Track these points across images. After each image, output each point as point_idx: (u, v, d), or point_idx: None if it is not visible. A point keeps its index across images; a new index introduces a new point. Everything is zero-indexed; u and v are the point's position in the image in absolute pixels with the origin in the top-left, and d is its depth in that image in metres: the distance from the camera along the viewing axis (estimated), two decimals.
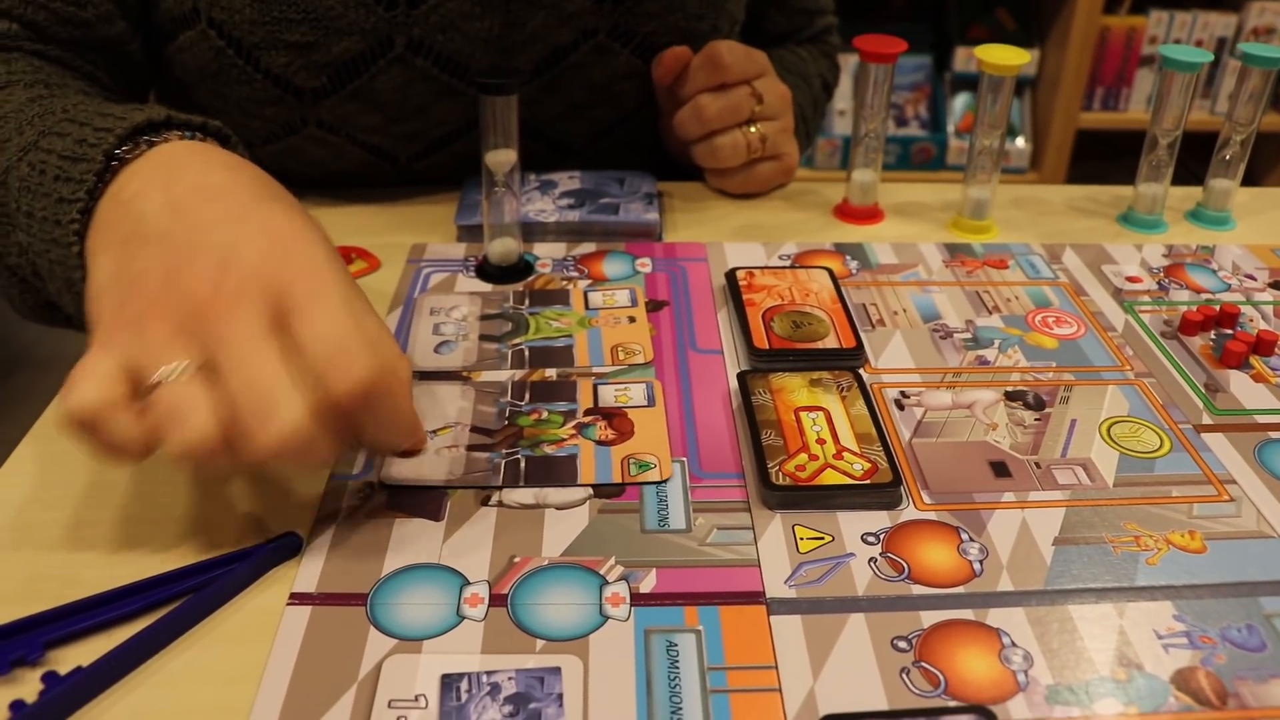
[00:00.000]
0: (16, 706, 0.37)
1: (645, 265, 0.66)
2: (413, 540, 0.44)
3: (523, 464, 0.48)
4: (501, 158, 0.61)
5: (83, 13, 0.65)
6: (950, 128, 2.35)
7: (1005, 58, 0.67)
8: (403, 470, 0.48)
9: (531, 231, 0.69)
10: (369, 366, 0.39)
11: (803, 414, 0.51)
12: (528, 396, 0.53)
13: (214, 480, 0.47)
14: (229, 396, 0.38)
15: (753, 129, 0.72)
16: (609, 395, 0.53)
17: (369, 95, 0.68)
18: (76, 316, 0.47)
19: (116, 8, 0.66)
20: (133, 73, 0.70)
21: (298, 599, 0.41)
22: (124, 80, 0.69)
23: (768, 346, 0.57)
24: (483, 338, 0.58)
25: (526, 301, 0.62)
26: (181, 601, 0.41)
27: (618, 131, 0.78)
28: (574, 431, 0.50)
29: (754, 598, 0.41)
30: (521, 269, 0.65)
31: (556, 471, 0.48)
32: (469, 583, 0.42)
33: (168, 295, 0.40)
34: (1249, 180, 0.76)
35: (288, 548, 0.44)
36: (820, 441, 0.49)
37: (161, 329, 0.40)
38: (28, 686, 0.38)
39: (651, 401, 0.53)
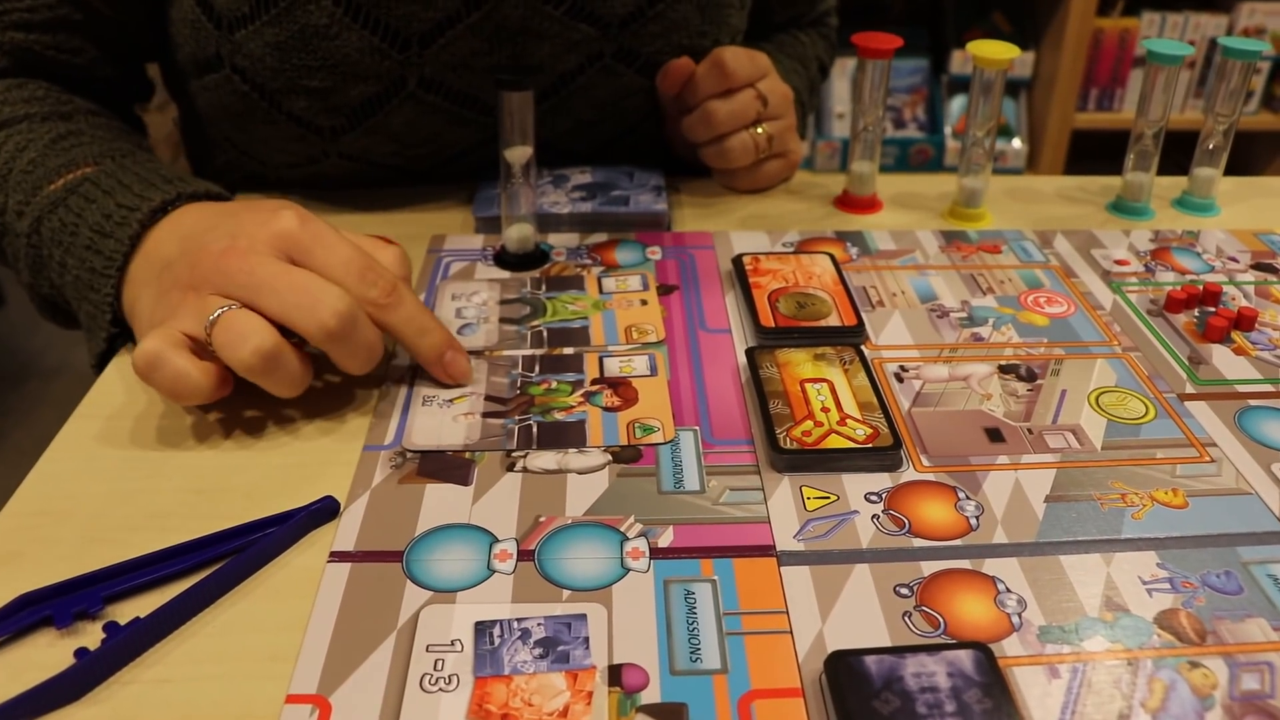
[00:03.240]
0: (81, 653, 0.39)
1: (655, 253, 0.68)
2: (443, 503, 0.46)
3: (535, 429, 0.50)
4: (519, 153, 0.63)
5: (76, 59, 0.69)
6: (947, 129, 2.38)
7: (996, 52, 0.69)
8: (424, 437, 0.50)
9: (546, 223, 0.70)
10: (393, 276, 0.50)
11: (808, 385, 0.53)
12: (538, 368, 0.55)
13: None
14: (276, 306, 0.47)
15: (759, 130, 0.74)
16: (614, 366, 0.56)
17: (384, 130, 0.71)
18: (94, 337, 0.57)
19: (102, 54, 0.70)
20: (125, 93, 0.74)
21: (337, 556, 0.43)
22: (117, 99, 0.73)
23: (774, 325, 0.59)
24: (503, 320, 0.60)
25: (543, 287, 0.64)
26: (228, 560, 0.43)
27: (624, 141, 0.80)
28: (582, 399, 0.53)
29: (765, 551, 0.44)
30: (538, 257, 0.67)
31: (567, 436, 0.50)
32: (498, 540, 0.44)
33: (194, 274, 0.49)
34: (1244, 174, 0.78)
35: (326, 511, 0.46)
36: (825, 410, 0.51)
37: (196, 295, 0.48)
38: (90, 637, 0.40)
39: (654, 371, 0.55)
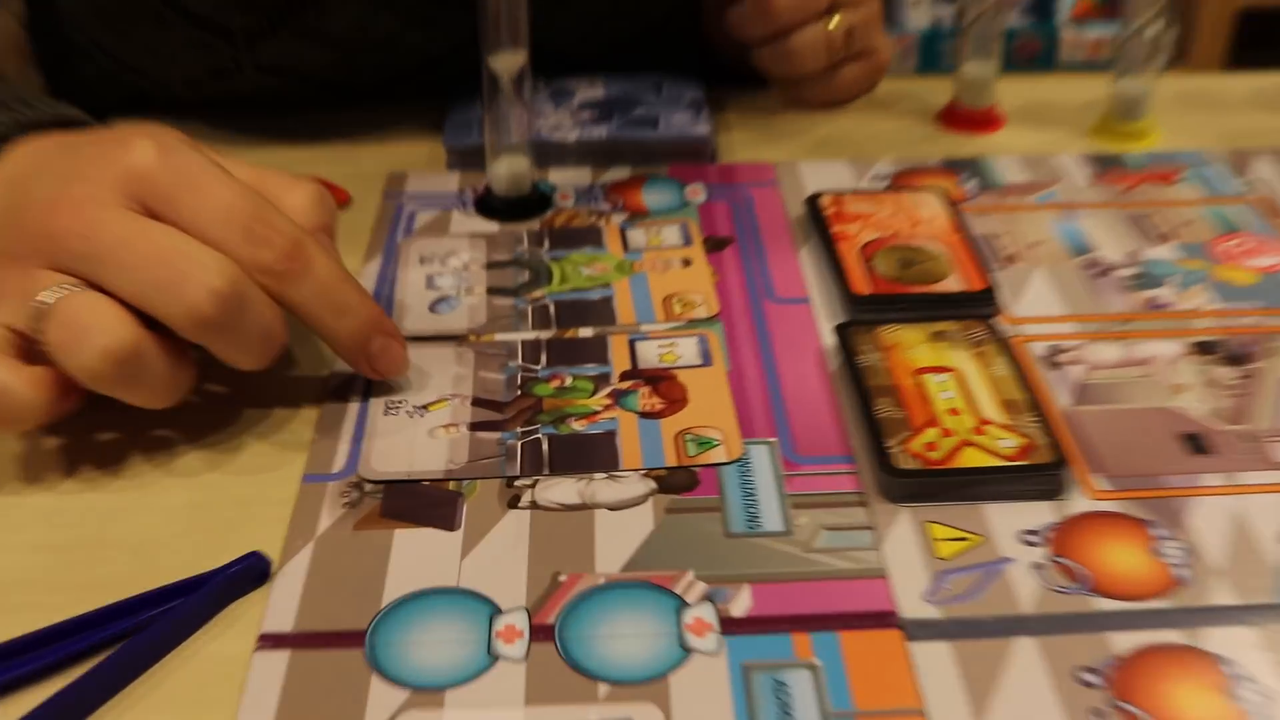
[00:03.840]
0: None
1: (697, 194, 0.67)
2: (421, 557, 0.44)
3: (546, 446, 0.49)
4: (508, 61, 0.61)
5: None
6: (1062, 16, 2.35)
7: None
8: (389, 461, 0.48)
9: (545, 154, 0.69)
10: (295, 231, 0.46)
11: (927, 377, 0.51)
12: (545, 358, 0.54)
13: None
14: (128, 284, 0.44)
15: (833, 22, 0.71)
16: (650, 353, 0.54)
17: (319, 33, 0.70)
18: None
19: None
20: None
21: (270, 641, 0.41)
22: None
23: (871, 292, 0.57)
24: (493, 291, 0.59)
25: (546, 243, 0.62)
26: (113, 650, 0.40)
27: (648, 42, 0.78)
28: (609, 401, 0.51)
29: (884, 619, 0.41)
30: (536, 202, 0.65)
31: (591, 454, 0.48)
32: (501, 611, 0.42)
33: (18, 239, 0.46)
34: None
35: (251, 573, 0.43)
36: (954, 412, 0.49)
37: (20, 271, 0.45)
38: None
39: (707, 359, 0.54)
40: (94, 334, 0.43)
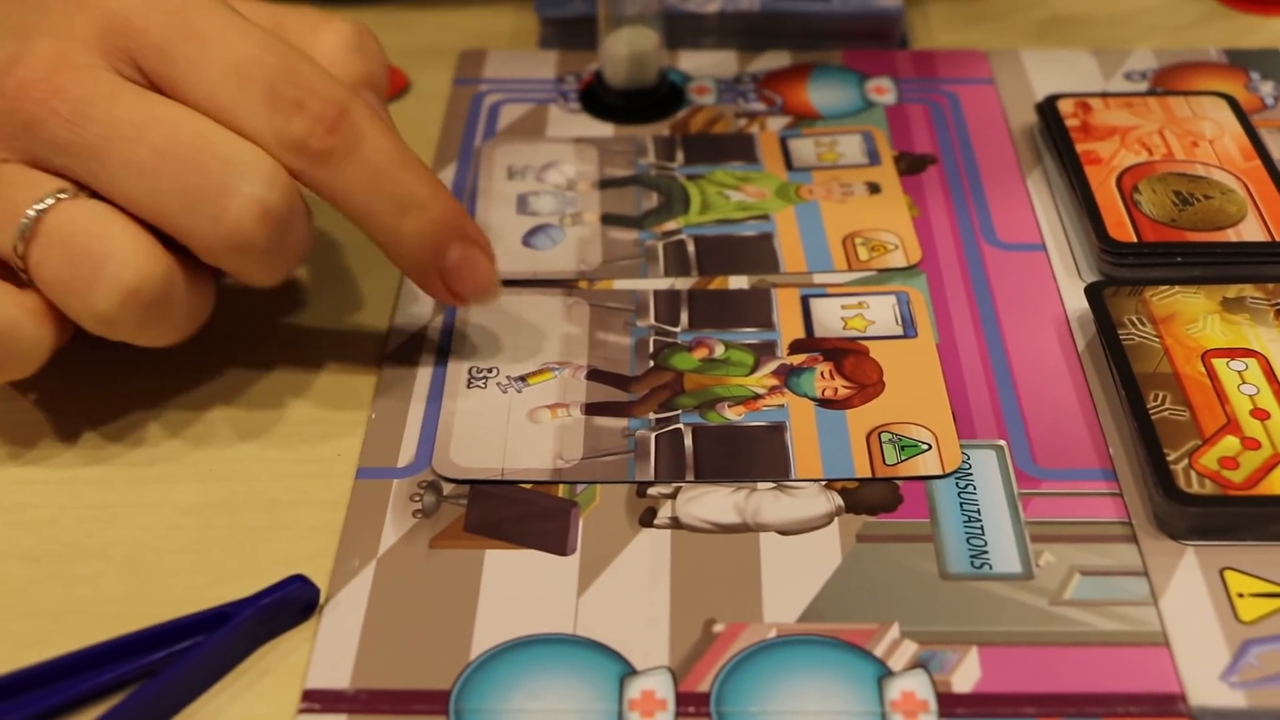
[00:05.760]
0: None
1: (884, 92, 0.67)
2: (522, 590, 0.44)
3: (689, 440, 0.48)
4: None
5: None
6: None
7: None
8: (475, 453, 0.48)
9: (677, 31, 0.69)
10: (337, 89, 0.46)
11: (1220, 363, 0.50)
12: (685, 318, 0.54)
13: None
14: (148, 195, 0.44)
15: None
16: (831, 316, 0.54)
17: None
18: None
19: None
20: None
21: (318, 701, 0.41)
22: None
23: (1135, 238, 0.56)
24: (609, 220, 0.58)
25: (680, 155, 0.62)
26: (104, 713, 0.40)
27: None
28: (775, 382, 0.51)
29: (1166, 706, 0.40)
30: (664, 97, 0.65)
31: (752, 455, 0.48)
32: (635, 672, 0.41)
33: None
34: None
35: (291, 605, 0.43)
36: (1259, 414, 0.48)
37: None
38: None
39: (909, 327, 0.53)
40: (112, 268, 0.43)
